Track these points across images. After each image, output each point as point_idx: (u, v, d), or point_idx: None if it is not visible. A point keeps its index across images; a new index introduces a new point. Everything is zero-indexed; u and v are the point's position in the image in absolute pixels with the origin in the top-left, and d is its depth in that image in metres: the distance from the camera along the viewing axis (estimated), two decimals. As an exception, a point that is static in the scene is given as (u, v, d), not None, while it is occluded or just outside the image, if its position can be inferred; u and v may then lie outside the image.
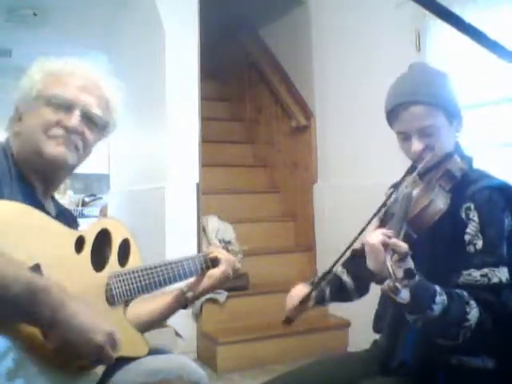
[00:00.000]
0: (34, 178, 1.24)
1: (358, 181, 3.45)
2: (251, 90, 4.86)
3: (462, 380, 1.23)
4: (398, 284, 1.03)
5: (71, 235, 1.19)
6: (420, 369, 1.26)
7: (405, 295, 1.05)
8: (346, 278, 1.54)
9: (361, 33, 3.45)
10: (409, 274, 1.05)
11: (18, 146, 1.22)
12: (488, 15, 2.62)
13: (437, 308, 1.11)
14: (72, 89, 1.22)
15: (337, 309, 3.49)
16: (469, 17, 2.49)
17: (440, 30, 2.87)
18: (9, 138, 1.25)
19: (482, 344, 1.20)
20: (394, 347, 1.33)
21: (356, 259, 1.47)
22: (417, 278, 1.10)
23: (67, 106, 1.21)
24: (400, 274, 1.04)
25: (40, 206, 1.19)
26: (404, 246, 1.06)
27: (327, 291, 1.51)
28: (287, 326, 1.41)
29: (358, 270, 1.47)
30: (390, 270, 1.03)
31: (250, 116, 4.90)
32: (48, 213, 1.22)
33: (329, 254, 3.73)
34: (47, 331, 1.00)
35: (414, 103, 1.28)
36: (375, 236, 1.11)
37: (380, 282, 1.22)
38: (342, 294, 1.54)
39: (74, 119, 1.20)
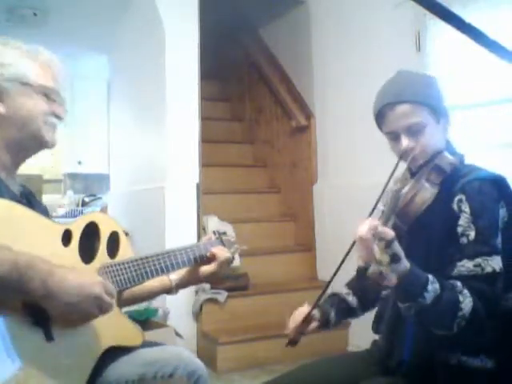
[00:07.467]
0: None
1: (357, 180, 3.45)
2: (251, 90, 4.86)
3: (461, 380, 1.23)
4: (382, 268, 1.05)
5: (57, 229, 1.20)
6: (419, 368, 1.26)
7: (391, 278, 1.07)
8: (351, 299, 1.51)
9: (361, 33, 3.45)
10: (395, 258, 1.07)
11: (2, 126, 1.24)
12: (488, 15, 2.63)
13: (429, 296, 1.12)
14: (59, 81, 1.33)
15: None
16: (469, 17, 2.48)
17: (440, 29, 2.87)
18: None
19: (480, 343, 1.20)
20: (393, 347, 1.33)
21: (361, 278, 1.45)
22: (408, 264, 1.11)
23: (59, 99, 1.32)
24: (386, 258, 1.05)
25: (4, 186, 1.20)
26: (390, 233, 1.07)
27: (332, 314, 1.47)
28: (292, 347, 1.42)
29: (364, 289, 1.48)
30: (377, 256, 1.05)
31: (250, 116, 4.90)
32: (13, 193, 1.23)
33: (329, 253, 3.74)
34: (44, 302, 1.04)
35: (399, 103, 1.31)
36: (362, 226, 1.12)
37: (386, 289, 1.21)
38: (348, 314, 1.52)
39: (63, 110, 1.33)
